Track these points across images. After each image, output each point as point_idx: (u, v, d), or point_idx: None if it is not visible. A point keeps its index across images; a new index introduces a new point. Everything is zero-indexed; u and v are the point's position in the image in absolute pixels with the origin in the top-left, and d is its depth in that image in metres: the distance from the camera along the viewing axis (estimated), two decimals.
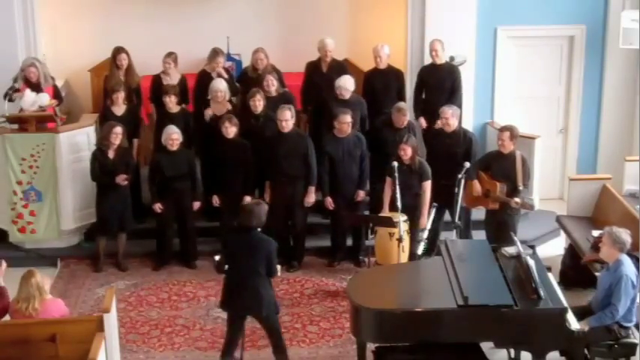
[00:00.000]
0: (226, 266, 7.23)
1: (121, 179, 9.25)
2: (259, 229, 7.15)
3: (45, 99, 9.56)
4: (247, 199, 9.37)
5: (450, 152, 9.21)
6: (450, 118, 9.23)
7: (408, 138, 8.97)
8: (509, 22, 10.93)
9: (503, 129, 8.97)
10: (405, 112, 9.52)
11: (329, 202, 9.36)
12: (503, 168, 8.87)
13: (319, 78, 10.28)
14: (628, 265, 7.06)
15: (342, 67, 10.34)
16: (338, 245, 9.67)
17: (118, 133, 9.23)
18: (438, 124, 9.49)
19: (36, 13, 10.21)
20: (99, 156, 9.30)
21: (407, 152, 8.90)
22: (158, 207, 9.41)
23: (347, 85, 9.76)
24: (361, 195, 9.43)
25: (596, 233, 8.74)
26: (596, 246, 8.01)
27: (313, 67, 10.43)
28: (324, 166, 9.32)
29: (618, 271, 7.01)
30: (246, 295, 7.09)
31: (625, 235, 7.09)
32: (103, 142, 9.28)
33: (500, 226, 8.81)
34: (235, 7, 11.62)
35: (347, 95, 9.75)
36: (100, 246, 9.61)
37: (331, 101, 9.76)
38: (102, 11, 11.53)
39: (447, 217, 9.13)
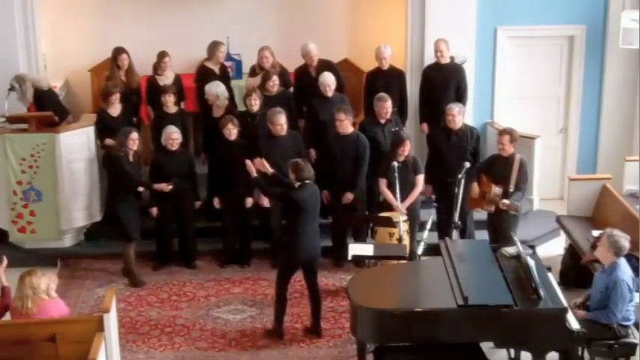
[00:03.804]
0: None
1: (165, 186, 9.16)
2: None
3: None
4: (249, 200, 9.38)
5: (458, 149, 9.17)
6: (457, 116, 9.21)
7: (406, 136, 8.97)
8: (509, 22, 10.93)
9: (502, 132, 8.89)
10: (386, 99, 9.49)
11: (325, 195, 9.21)
12: (502, 170, 8.82)
13: (309, 82, 10.19)
14: (624, 268, 7.07)
15: (328, 67, 10.23)
16: (338, 245, 9.63)
17: (134, 138, 9.12)
18: (444, 121, 9.35)
19: (36, 13, 10.20)
20: (125, 162, 9.08)
21: (405, 150, 8.90)
22: (154, 211, 9.40)
23: (327, 81, 9.75)
24: (348, 198, 9.31)
25: (596, 233, 8.73)
26: (595, 246, 8.00)
27: (302, 73, 10.41)
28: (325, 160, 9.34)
29: (614, 275, 7.04)
30: (313, 244, 7.86)
31: (624, 241, 7.08)
32: (121, 150, 9.13)
33: (497, 229, 8.79)
34: (235, 8, 11.61)
35: (330, 93, 9.76)
36: (131, 255, 9.31)
37: (314, 98, 9.78)
38: (102, 11, 11.53)
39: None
